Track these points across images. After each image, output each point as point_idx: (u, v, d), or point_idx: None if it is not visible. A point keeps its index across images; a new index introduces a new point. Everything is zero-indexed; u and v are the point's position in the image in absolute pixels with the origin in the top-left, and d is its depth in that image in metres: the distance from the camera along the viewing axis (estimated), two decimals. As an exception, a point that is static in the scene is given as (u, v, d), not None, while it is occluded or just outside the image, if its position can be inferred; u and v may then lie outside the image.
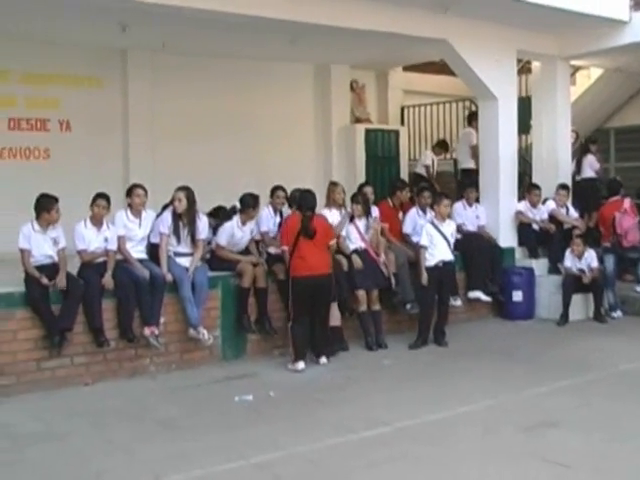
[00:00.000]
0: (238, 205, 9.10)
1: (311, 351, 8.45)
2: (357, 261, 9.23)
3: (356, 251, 9.36)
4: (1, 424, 6.55)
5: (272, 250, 9.18)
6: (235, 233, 8.93)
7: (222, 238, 8.89)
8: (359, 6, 9.51)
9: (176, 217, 8.41)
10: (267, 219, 9.36)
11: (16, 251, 7.84)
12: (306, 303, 8.31)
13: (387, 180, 13.15)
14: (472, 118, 13.28)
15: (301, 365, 8.24)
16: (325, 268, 8.36)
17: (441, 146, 13.97)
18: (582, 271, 10.63)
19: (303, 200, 8.54)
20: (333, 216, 9.35)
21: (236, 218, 8.99)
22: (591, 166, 13.08)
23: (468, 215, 11.11)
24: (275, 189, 9.54)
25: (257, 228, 9.23)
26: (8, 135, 11.48)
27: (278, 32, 10.57)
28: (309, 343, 8.45)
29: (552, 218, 11.53)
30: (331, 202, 9.65)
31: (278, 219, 9.45)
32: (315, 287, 8.25)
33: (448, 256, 9.34)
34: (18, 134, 11.57)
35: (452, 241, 9.45)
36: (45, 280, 7.51)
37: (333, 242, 8.62)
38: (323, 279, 8.30)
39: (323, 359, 8.41)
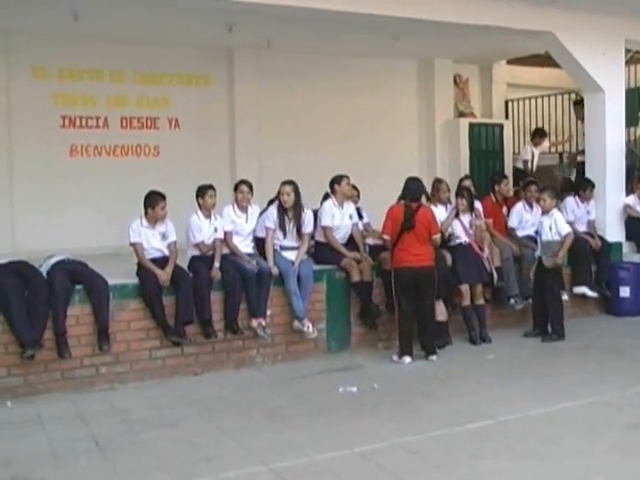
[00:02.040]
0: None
1: (420, 348, 8.47)
2: (447, 257, 9.20)
3: (460, 245, 9.35)
4: (118, 409, 6.86)
5: (370, 241, 9.31)
6: (335, 213, 8.99)
7: (325, 218, 8.94)
8: (462, 1, 9.50)
9: (282, 211, 8.59)
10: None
11: (128, 245, 8.17)
12: (409, 295, 8.33)
13: (491, 175, 13.05)
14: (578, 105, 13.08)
15: (408, 359, 8.30)
16: (427, 260, 8.33)
17: (540, 135, 13.60)
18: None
19: (407, 190, 8.56)
20: (439, 212, 9.33)
21: (330, 199, 9.10)
22: None
23: (580, 212, 10.90)
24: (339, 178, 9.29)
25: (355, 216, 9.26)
26: (121, 133, 11.95)
27: (381, 28, 10.62)
28: (418, 339, 8.49)
29: (662, 212, 11.24)
30: (436, 199, 9.66)
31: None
32: (417, 279, 8.27)
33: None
34: (130, 132, 12.02)
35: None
36: (159, 272, 7.79)
37: (436, 236, 8.58)
38: (425, 271, 8.30)
39: (433, 357, 8.40)
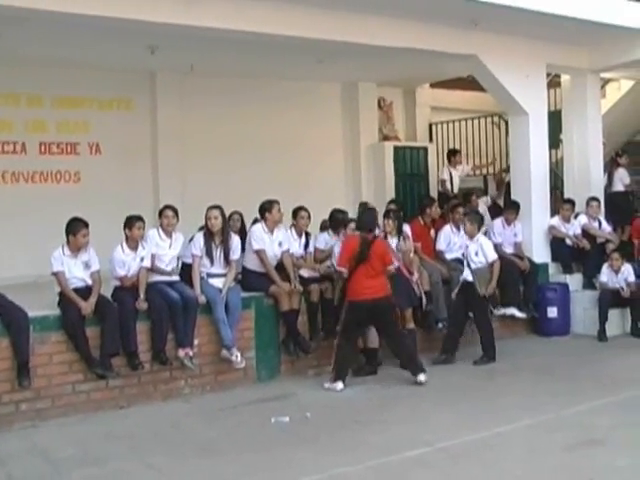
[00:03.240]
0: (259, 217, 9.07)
1: (408, 371, 8.38)
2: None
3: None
4: (41, 449, 6.54)
5: (305, 273, 9.12)
6: (264, 238, 8.81)
7: (256, 242, 8.76)
8: (385, 23, 9.48)
9: (209, 238, 8.40)
10: (290, 241, 9.15)
11: (48, 274, 7.85)
12: (359, 328, 8.30)
13: (417, 198, 13.10)
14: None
15: (340, 385, 8.16)
16: (381, 292, 8.26)
17: (454, 154, 13.69)
18: (621, 287, 10.48)
19: (361, 221, 8.50)
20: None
21: (260, 224, 8.93)
22: (622, 180, 12.96)
23: (507, 234, 10.96)
24: (298, 210, 9.34)
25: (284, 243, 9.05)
26: (39, 159, 11.58)
27: (305, 51, 10.57)
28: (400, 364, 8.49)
29: (585, 232, 11.38)
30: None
31: (303, 240, 9.37)
32: (373, 311, 8.18)
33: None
34: (49, 158, 11.66)
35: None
36: (83, 303, 7.49)
37: (391, 267, 8.48)
38: (381, 302, 8.21)
39: (421, 376, 8.25)
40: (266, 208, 8.88)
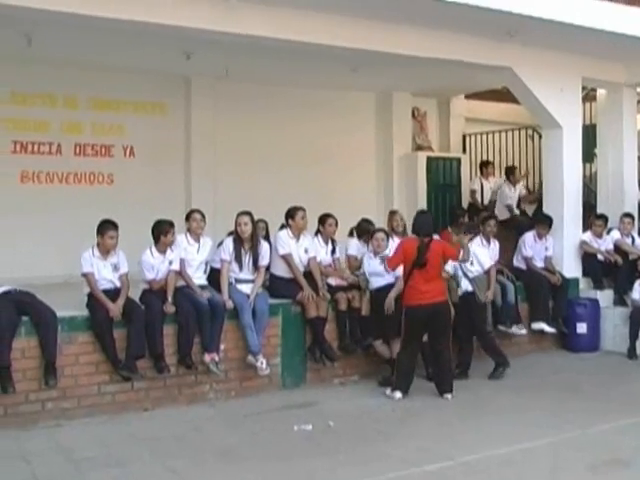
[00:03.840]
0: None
1: (435, 386, 8.31)
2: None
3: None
4: (64, 448, 6.58)
5: (332, 281, 9.10)
6: (290, 244, 8.82)
7: (282, 247, 8.76)
8: (420, 34, 9.46)
9: (238, 244, 8.42)
10: (317, 248, 9.15)
11: (78, 275, 7.93)
12: (420, 334, 8.21)
13: (449, 209, 13.05)
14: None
15: (398, 395, 8.11)
16: (439, 296, 8.18)
17: (486, 166, 13.67)
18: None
19: (417, 225, 8.37)
20: (394, 244, 9.21)
21: (286, 230, 8.94)
22: None
23: (538, 248, 10.84)
24: (325, 217, 9.32)
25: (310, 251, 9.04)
26: (74, 160, 11.72)
27: (340, 60, 10.58)
28: (433, 377, 8.44)
29: (618, 248, 11.27)
30: (391, 231, 9.54)
31: (330, 248, 9.35)
32: (430, 317, 8.10)
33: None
34: (83, 159, 11.80)
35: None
36: (111, 305, 7.54)
37: (445, 274, 8.45)
38: (438, 307, 8.14)
39: (448, 395, 8.19)
40: (290, 214, 8.90)
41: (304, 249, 8.93)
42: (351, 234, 9.67)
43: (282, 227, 9.12)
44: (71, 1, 7.48)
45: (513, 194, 13.05)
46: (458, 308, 9.07)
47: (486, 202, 13.12)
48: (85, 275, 7.78)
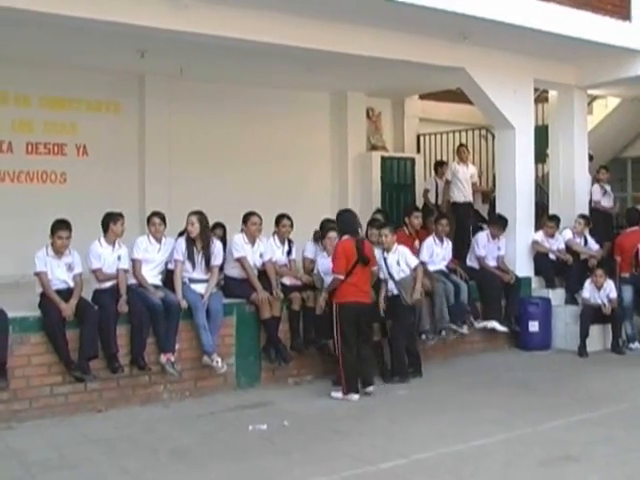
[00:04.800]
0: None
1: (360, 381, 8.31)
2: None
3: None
4: (14, 450, 6.49)
5: (287, 281, 9.08)
6: (245, 248, 8.81)
7: (236, 251, 8.74)
8: (375, 34, 9.52)
9: (190, 243, 8.39)
10: (272, 248, 9.17)
11: (30, 275, 7.84)
12: (354, 330, 8.19)
13: (403, 208, 13.12)
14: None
15: (355, 397, 8.12)
16: (370, 297, 8.38)
17: (440, 166, 13.69)
18: (602, 303, 10.53)
19: (345, 224, 8.43)
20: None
21: (241, 234, 8.92)
22: (593, 195, 12.90)
23: (491, 247, 10.93)
24: (280, 217, 9.34)
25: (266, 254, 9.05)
26: (26, 159, 11.55)
27: (294, 60, 10.57)
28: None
29: (569, 248, 11.44)
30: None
31: (286, 248, 9.36)
32: (362, 315, 8.19)
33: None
34: (35, 158, 11.62)
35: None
36: (63, 305, 7.47)
37: (375, 268, 8.52)
38: (369, 306, 8.32)
39: (370, 388, 8.27)
40: (244, 220, 8.91)
41: (259, 254, 8.94)
42: (316, 240, 9.62)
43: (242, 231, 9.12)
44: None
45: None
46: (387, 312, 9.06)
47: (440, 201, 13.17)
48: (38, 274, 7.69)
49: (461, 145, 13.40)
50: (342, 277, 8.15)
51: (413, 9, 8.60)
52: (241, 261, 8.73)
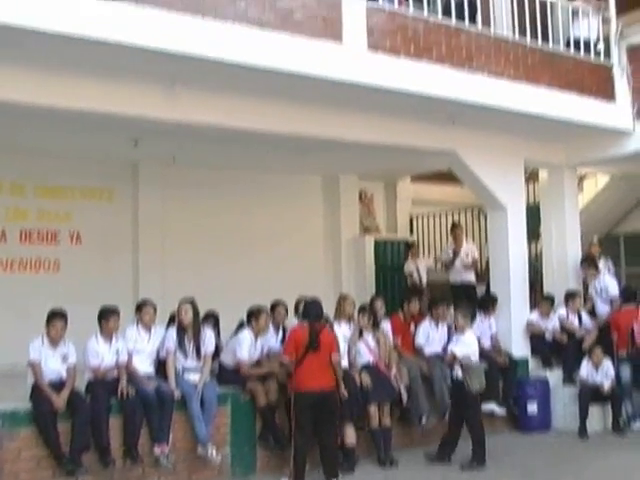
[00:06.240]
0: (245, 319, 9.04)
1: (322, 472, 8.14)
2: (365, 379, 9.05)
3: (367, 366, 9.21)
4: None
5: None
6: (251, 346, 8.78)
7: (241, 351, 8.71)
8: (365, 120, 9.64)
9: (181, 331, 8.36)
10: (270, 337, 9.16)
11: (23, 365, 7.78)
12: (309, 419, 8.04)
13: (397, 291, 13.09)
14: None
15: None
16: (329, 383, 8.17)
17: (410, 248, 13.72)
18: (601, 383, 10.43)
19: (307, 311, 8.43)
20: (342, 330, 9.25)
21: (247, 330, 8.88)
22: None
23: (484, 327, 10.92)
24: (275, 305, 9.40)
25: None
26: (19, 247, 11.52)
27: (286, 145, 10.70)
28: (321, 462, 8.19)
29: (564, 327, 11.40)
30: (340, 315, 9.55)
31: (281, 335, 9.32)
32: (320, 402, 8.04)
33: None
34: (29, 246, 11.61)
35: None
36: (55, 397, 7.39)
37: (336, 356, 8.40)
38: (327, 394, 8.11)
39: None
40: (255, 316, 8.87)
41: (262, 348, 8.94)
42: None
43: (241, 324, 9.10)
44: (18, 89, 7.51)
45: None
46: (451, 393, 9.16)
47: (424, 281, 13.14)
48: (31, 364, 7.63)
49: (454, 225, 13.44)
50: (290, 360, 8.16)
51: (401, 95, 8.80)
52: (241, 365, 8.70)
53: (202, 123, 8.75)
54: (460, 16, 9.45)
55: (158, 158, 11.87)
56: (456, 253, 12.73)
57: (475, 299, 12.05)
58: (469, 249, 12.95)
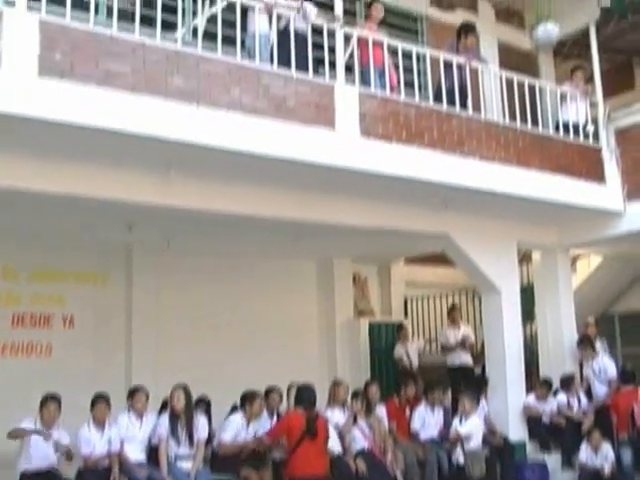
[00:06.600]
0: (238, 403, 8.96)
1: None
2: (361, 466, 8.93)
3: (362, 452, 9.09)
4: None
5: (277, 454, 8.89)
6: (240, 430, 8.69)
7: (226, 433, 8.64)
8: (360, 204, 9.71)
9: (174, 418, 8.28)
10: (265, 421, 9.06)
11: (13, 452, 7.67)
12: None
13: (392, 373, 12.99)
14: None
15: None
16: (324, 470, 8.11)
17: (399, 331, 13.58)
18: (601, 466, 10.27)
19: (301, 398, 8.38)
20: (336, 416, 9.16)
21: (240, 415, 8.77)
22: None
23: (478, 409, 10.77)
24: (269, 391, 9.37)
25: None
26: (11, 332, 11.41)
27: (280, 230, 10.71)
28: None
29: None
30: (334, 401, 9.47)
31: (274, 420, 9.21)
32: None
33: None
34: (21, 331, 11.51)
35: None
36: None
37: (331, 444, 8.30)
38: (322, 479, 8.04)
39: None
40: (248, 400, 8.85)
41: (254, 432, 8.85)
42: None
43: (234, 408, 9.01)
44: (13, 175, 7.56)
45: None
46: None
47: (415, 365, 13.04)
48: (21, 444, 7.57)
49: (453, 307, 13.41)
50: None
51: (395, 181, 8.89)
52: (221, 444, 8.65)
53: (197, 209, 8.78)
54: (451, 101, 9.63)
55: (152, 243, 11.87)
56: (454, 335, 12.68)
57: (473, 382, 11.95)
58: (466, 331, 12.91)
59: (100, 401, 8.09)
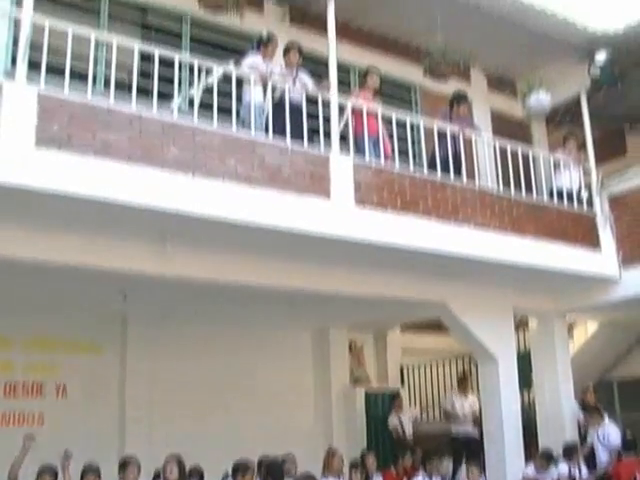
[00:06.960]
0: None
1: None
2: None
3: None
4: None
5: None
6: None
7: None
8: (354, 273, 9.69)
9: (166, 491, 8.16)
10: None
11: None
12: None
13: (389, 442, 12.81)
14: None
15: None
16: None
17: (394, 399, 13.54)
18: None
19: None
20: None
21: None
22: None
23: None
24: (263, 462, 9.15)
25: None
26: (2, 401, 11.31)
27: (276, 300, 10.67)
28: None
29: (564, 481, 11.10)
30: (328, 470, 9.35)
31: None
32: None
33: None
34: (13, 400, 11.40)
35: None
36: None
37: None
38: None
39: None
40: (241, 472, 8.63)
41: None
42: None
43: (226, 477, 8.92)
44: (6, 245, 7.58)
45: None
46: None
47: (409, 434, 12.88)
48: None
49: (464, 376, 13.30)
50: None
51: (390, 250, 8.90)
52: None
53: (192, 278, 8.76)
54: (445, 170, 9.70)
55: (147, 312, 11.83)
56: (461, 404, 12.55)
57: (478, 452, 11.79)
58: (472, 401, 12.80)
59: (90, 474, 8.00)
